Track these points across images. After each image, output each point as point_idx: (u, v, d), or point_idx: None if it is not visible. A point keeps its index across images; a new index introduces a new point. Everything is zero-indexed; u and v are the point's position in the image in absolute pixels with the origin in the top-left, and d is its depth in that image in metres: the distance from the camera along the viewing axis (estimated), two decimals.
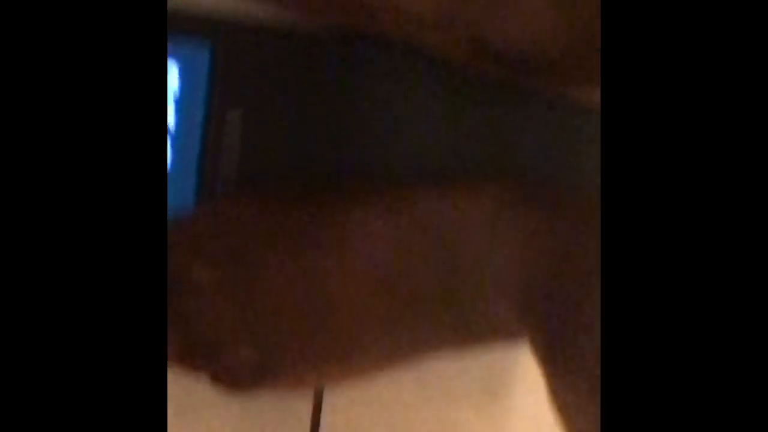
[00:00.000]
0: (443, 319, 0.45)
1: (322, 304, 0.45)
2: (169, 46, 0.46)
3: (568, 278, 0.42)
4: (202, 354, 0.45)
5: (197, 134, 0.46)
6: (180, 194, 0.47)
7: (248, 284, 0.45)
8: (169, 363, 0.45)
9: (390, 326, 0.45)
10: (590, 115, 0.48)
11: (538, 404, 0.52)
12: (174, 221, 0.46)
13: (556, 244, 0.43)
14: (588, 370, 0.39)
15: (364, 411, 0.52)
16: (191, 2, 0.46)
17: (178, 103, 0.46)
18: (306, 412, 0.52)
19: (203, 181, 0.47)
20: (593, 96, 0.47)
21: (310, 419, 0.52)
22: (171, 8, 0.45)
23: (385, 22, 0.43)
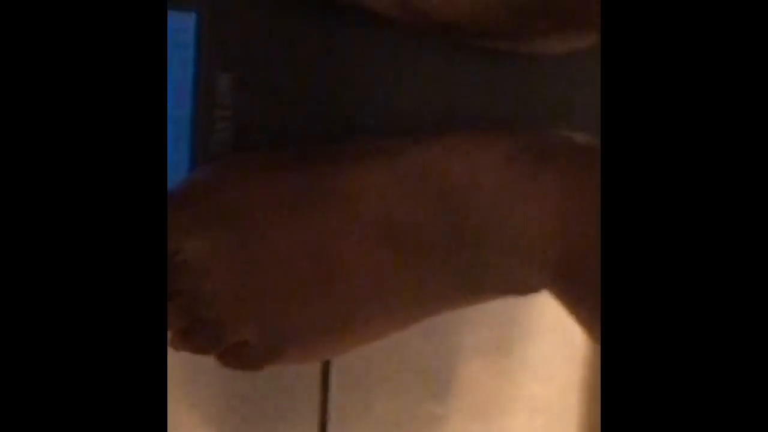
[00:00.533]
0: (453, 272, 0.45)
1: (326, 268, 0.44)
2: None
3: (592, 235, 0.41)
4: (206, 335, 0.44)
5: (188, 100, 0.46)
6: (174, 161, 0.46)
7: (248, 254, 0.44)
8: (172, 344, 0.45)
9: (398, 282, 0.45)
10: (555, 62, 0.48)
11: (549, 357, 0.52)
12: (168, 192, 0.45)
13: (579, 201, 0.42)
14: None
15: (371, 367, 0.52)
16: None
17: (168, 70, 0.46)
18: (315, 366, 0.52)
19: (197, 146, 0.46)
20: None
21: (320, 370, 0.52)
22: None
23: None
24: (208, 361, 0.45)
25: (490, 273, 0.44)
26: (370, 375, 0.52)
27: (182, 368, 0.50)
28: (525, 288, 0.44)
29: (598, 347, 0.41)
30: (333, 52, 0.47)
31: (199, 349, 0.45)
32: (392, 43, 0.47)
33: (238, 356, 0.45)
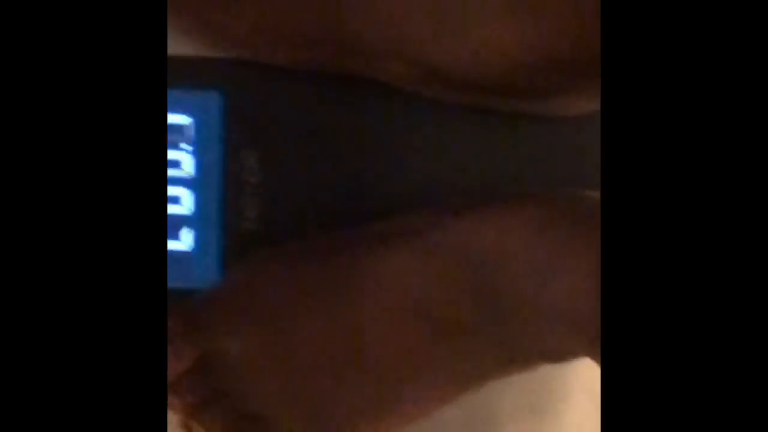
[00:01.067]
0: (491, 345, 0.44)
1: (363, 352, 0.44)
2: (181, 98, 0.46)
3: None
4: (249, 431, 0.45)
5: (217, 178, 0.47)
6: (205, 238, 0.47)
7: (287, 348, 0.44)
8: None
9: (435, 360, 0.45)
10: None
11: (584, 420, 0.51)
12: (202, 296, 0.45)
13: None
14: None
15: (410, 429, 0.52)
16: (197, 53, 0.46)
17: (196, 151, 0.46)
18: None
19: (227, 224, 0.47)
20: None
21: None
22: (178, 61, 0.45)
23: (341, 56, 0.44)
24: None
25: (528, 343, 0.44)
26: None
27: None
28: (564, 354, 0.44)
29: None
30: (357, 125, 0.47)
31: None
32: (415, 114, 0.47)
33: None
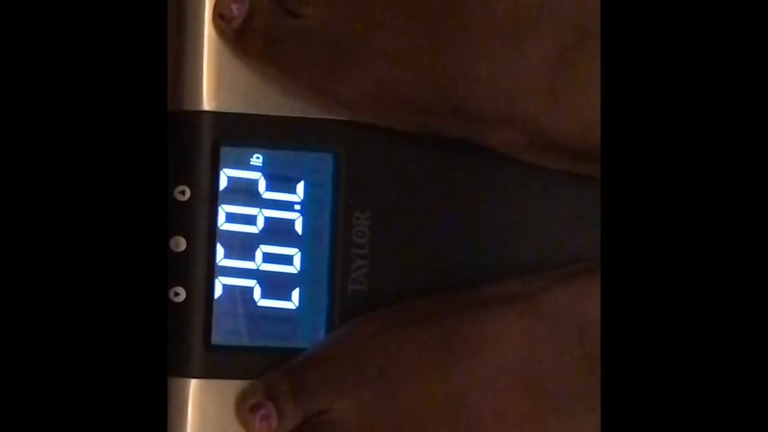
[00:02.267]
0: (591, 418, 0.44)
1: (469, 421, 0.44)
2: (295, 158, 0.47)
3: None
4: None
5: (326, 239, 0.47)
6: (313, 298, 0.47)
7: (393, 410, 0.44)
8: None
9: (538, 429, 0.44)
10: None
11: None
12: (308, 356, 0.46)
13: None
14: None
15: None
16: (311, 114, 0.47)
17: (306, 211, 0.47)
18: None
19: (334, 285, 0.47)
20: None
21: None
22: (292, 122, 0.46)
23: (451, 121, 0.45)
24: None
25: None
26: None
27: None
28: None
29: None
30: (467, 190, 0.47)
31: None
32: (523, 180, 0.47)
33: None
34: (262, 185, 0.47)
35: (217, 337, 0.46)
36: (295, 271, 0.47)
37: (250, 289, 0.47)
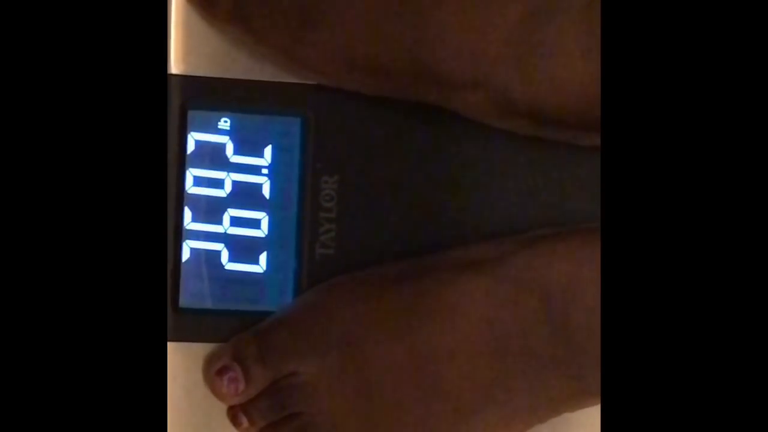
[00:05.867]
0: (562, 380, 0.44)
1: (436, 381, 0.44)
2: (262, 123, 0.47)
3: None
4: None
5: (293, 203, 0.47)
6: (281, 261, 0.47)
7: (360, 373, 0.45)
8: None
9: (508, 392, 0.45)
10: None
11: None
12: (275, 319, 0.46)
13: None
14: None
15: None
16: (279, 78, 0.47)
17: (274, 175, 0.47)
18: None
19: (302, 247, 0.47)
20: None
21: None
22: (259, 86, 0.46)
23: (418, 85, 0.45)
24: None
25: (599, 379, 0.43)
26: None
27: None
28: None
29: None
30: (433, 154, 0.47)
31: None
32: (490, 144, 0.47)
33: None
34: (229, 149, 0.47)
35: (185, 300, 0.47)
36: (263, 235, 0.47)
37: (218, 253, 0.47)
